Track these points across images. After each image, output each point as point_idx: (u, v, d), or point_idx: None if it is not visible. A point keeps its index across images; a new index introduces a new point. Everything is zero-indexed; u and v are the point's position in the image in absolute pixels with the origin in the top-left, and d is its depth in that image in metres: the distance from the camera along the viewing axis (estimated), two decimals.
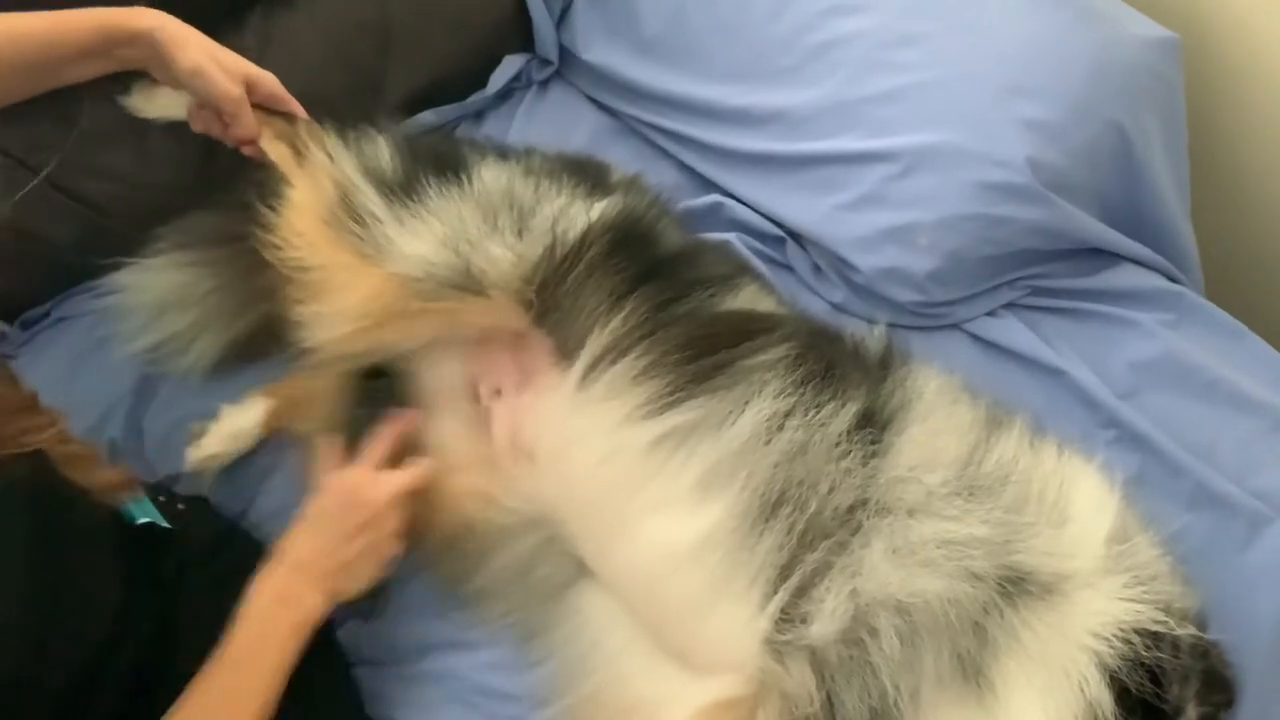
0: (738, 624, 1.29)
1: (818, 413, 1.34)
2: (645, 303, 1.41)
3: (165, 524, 1.42)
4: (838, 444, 1.32)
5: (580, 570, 1.41)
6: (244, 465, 1.59)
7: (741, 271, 1.57)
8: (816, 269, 1.72)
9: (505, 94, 1.96)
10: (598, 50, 1.89)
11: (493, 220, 1.44)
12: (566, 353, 1.41)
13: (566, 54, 1.95)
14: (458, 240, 1.42)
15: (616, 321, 1.39)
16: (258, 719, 1.20)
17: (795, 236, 1.74)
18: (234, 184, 1.63)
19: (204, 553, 1.44)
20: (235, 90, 1.45)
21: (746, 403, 1.34)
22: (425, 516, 1.43)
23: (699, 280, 1.46)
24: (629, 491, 1.35)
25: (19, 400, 1.12)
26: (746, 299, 1.49)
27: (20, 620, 1.14)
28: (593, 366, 1.39)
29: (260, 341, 1.60)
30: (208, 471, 1.56)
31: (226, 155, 1.63)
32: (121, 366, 1.62)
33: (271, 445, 1.59)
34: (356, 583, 1.32)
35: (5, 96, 1.44)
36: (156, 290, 1.58)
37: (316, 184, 1.49)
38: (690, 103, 1.79)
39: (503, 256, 1.41)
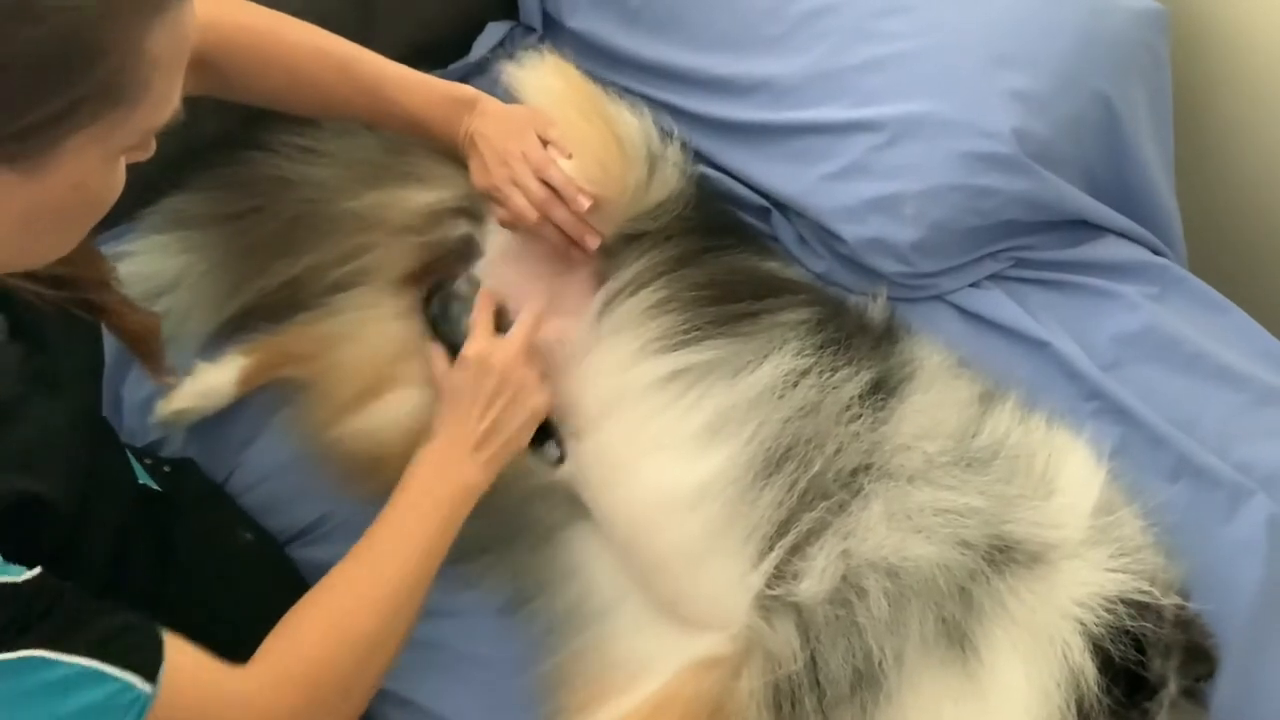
0: (731, 579, 1.32)
1: (832, 375, 1.39)
2: (686, 245, 1.51)
3: (155, 486, 1.42)
4: (848, 407, 1.37)
5: (573, 514, 1.43)
6: (225, 434, 1.58)
7: (769, 249, 1.66)
8: (801, 239, 1.71)
9: (488, 61, 1.94)
10: (582, 18, 1.88)
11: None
12: (602, 280, 1.50)
13: (551, 21, 1.94)
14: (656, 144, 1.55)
15: (652, 255, 1.50)
16: (415, 578, 1.23)
17: (780, 207, 1.73)
18: (217, 157, 1.64)
19: (188, 511, 1.44)
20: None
21: (766, 356, 1.40)
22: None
23: (739, 242, 1.58)
24: (636, 426, 1.40)
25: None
26: (775, 268, 1.58)
27: (80, 476, 1.14)
28: (616, 294, 1.47)
29: (251, 320, 1.60)
30: (177, 426, 1.56)
31: (210, 127, 1.62)
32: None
33: (252, 414, 1.58)
34: (512, 444, 1.37)
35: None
36: (147, 277, 1.58)
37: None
38: (676, 71, 1.78)
39: (670, 179, 1.54)
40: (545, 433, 1.43)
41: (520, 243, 1.51)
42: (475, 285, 1.47)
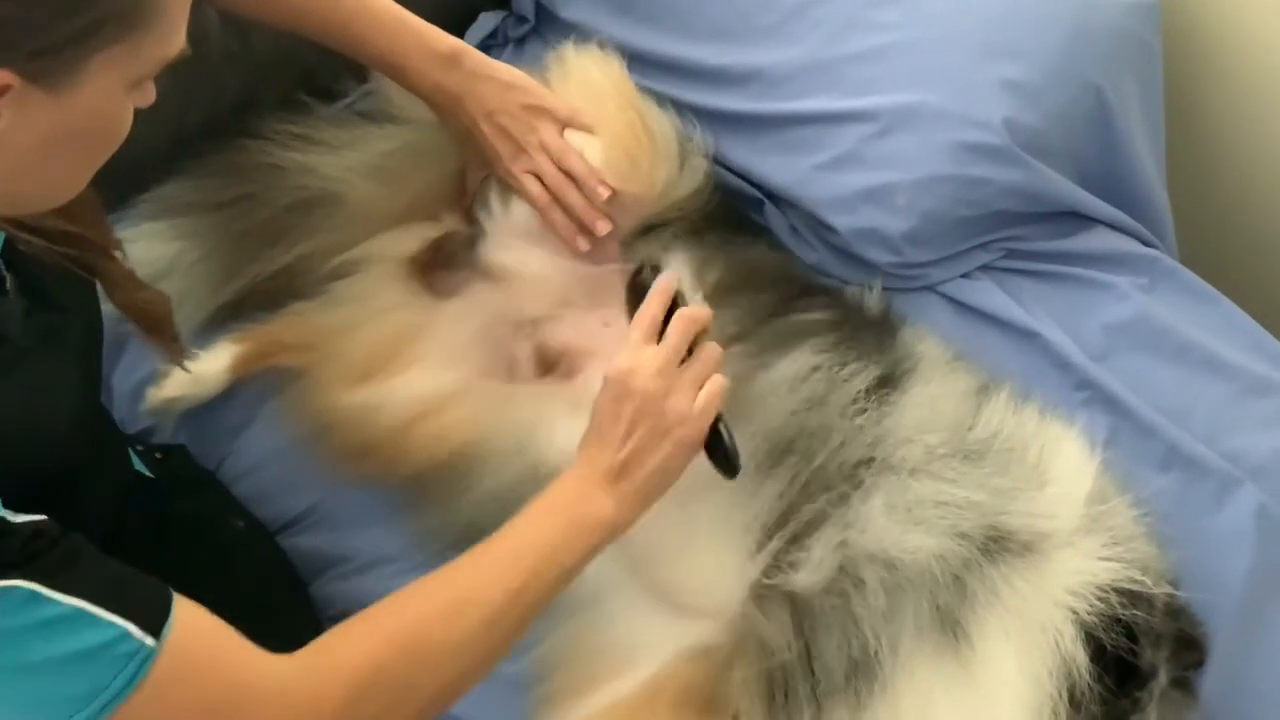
0: (729, 567, 1.32)
1: (841, 369, 1.40)
2: (709, 238, 1.55)
3: (149, 473, 1.42)
4: (855, 401, 1.38)
5: None
6: (216, 422, 1.58)
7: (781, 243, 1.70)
8: (793, 230, 1.71)
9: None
10: (575, 8, 1.87)
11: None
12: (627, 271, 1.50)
13: (543, 11, 1.92)
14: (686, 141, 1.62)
15: (678, 248, 1.52)
16: (512, 604, 1.09)
17: (772, 197, 1.73)
18: (209, 145, 1.64)
19: (180, 497, 1.44)
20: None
21: (782, 351, 1.42)
22: (404, 453, 1.45)
23: (756, 236, 1.63)
24: None
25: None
26: (791, 266, 1.64)
27: (81, 428, 1.11)
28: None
29: (245, 308, 1.60)
30: (169, 413, 1.55)
31: (199, 115, 1.61)
32: None
33: (244, 402, 1.58)
34: (659, 477, 1.21)
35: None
36: (141, 264, 1.56)
37: None
38: (669, 62, 1.77)
39: (697, 175, 1.59)
40: (719, 442, 1.27)
41: (538, 232, 1.52)
42: (656, 271, 1.32)
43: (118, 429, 1.44)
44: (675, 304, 1.28)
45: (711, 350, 1.26)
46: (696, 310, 1.27)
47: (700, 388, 1.23)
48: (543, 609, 1.14)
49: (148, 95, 0.97)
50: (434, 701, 1.07)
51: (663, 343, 1.24)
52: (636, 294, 1.30)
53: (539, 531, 1.14)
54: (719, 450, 1.26)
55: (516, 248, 1.53)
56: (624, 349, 1.24)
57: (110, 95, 0.91)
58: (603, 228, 1.48)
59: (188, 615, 0.94)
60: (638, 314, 1.27)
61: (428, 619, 1.06)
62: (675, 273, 1.33)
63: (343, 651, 1.02)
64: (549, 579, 1.12)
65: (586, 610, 1.38)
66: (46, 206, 1.00)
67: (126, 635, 0.89)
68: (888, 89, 1.63)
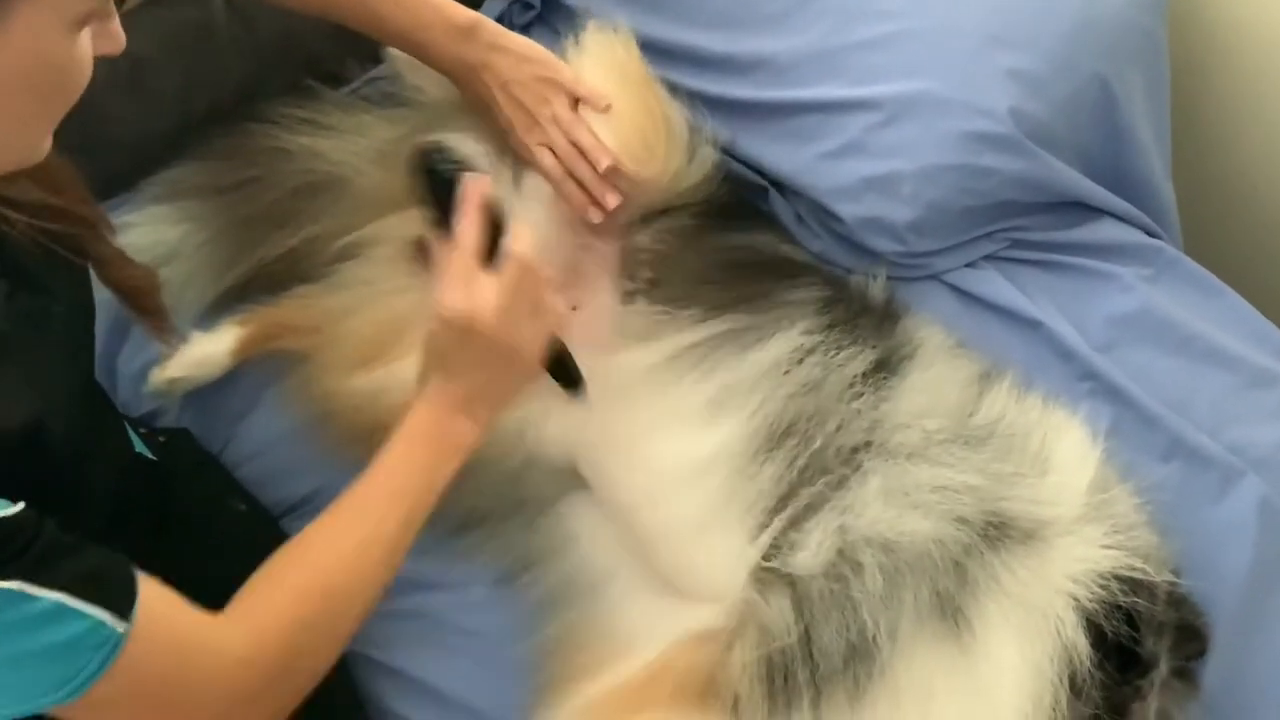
0: (729, 551, 1.33)
1: (838, 354, 1.42)
2: (704, 223, 1.55)
3: (152, 457, 1.42)
4: (851, 385, 1.40)
5: (569, 485, 1.44)
6: (220, 407, 1.58)
7: (782, 230, 1.70)
8: (798, 218, 1.71)
9: None
10: None
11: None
12: (621, 252, 1.55)
13: None
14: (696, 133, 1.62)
15: (671, 232, 1.53)
16: (398, 535, 1.17)
17: (777, 185, 1.73)
18: (215, 130, 1.64)
19: (182, 480, 1.45)
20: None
21: (774, 333, 1.43)
22: None
23: (754, 223, 1.63)
24: (641, 399, 1.41)
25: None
26: (788, 250, 1.63)
27: (75, 411, 1.11)
28: (634, 267, 1.50)
29: (250, 291, 1.61)
30: (170, 395, 1.56)
31: (204, 100, 1.61)
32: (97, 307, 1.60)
33: (248, 386, 1.58)
34: (504, 398, 1.28)
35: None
36: (146, 248, 1.58)
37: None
38: (674, 49, 1.76)
39: (705, 166, 1.60)
40: (563, 364, 1.34)
41: (543, 213, 1.53)
42: (462, 165, 1.35)
43: (116, 411, 1.44)
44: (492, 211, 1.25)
45: (541, 277, 1.26)
46: (528, 250, 1.24)
47: (537, 315, 1.26)
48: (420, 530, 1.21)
49: (112, 41, 0.94)
50: (351, 634, 1.16)
51: (503, 285, 1.21)
52: (433, 185, 1.27)
53: (413, 463, 1.20)
54: (562, 371, 1.34)
55: (526, 219, 1.52)
56: (452, 277, 1.21)
57: (46, 36, 0.88)
58: (612, 200, 1.49)
59: (150, 595, 0.98)
60: (461, 236, 1.22)
61: (340, 565, 1.13)
62: (483, 176, 1.27)
63: (271, 611, 1.08)
64: (428, 505, 1.21)
65: (587, 596, 1.40)
66: (8, 166, 0.97)
67: (102, 624, 0.93)
68: (893, 78, 1.63)
